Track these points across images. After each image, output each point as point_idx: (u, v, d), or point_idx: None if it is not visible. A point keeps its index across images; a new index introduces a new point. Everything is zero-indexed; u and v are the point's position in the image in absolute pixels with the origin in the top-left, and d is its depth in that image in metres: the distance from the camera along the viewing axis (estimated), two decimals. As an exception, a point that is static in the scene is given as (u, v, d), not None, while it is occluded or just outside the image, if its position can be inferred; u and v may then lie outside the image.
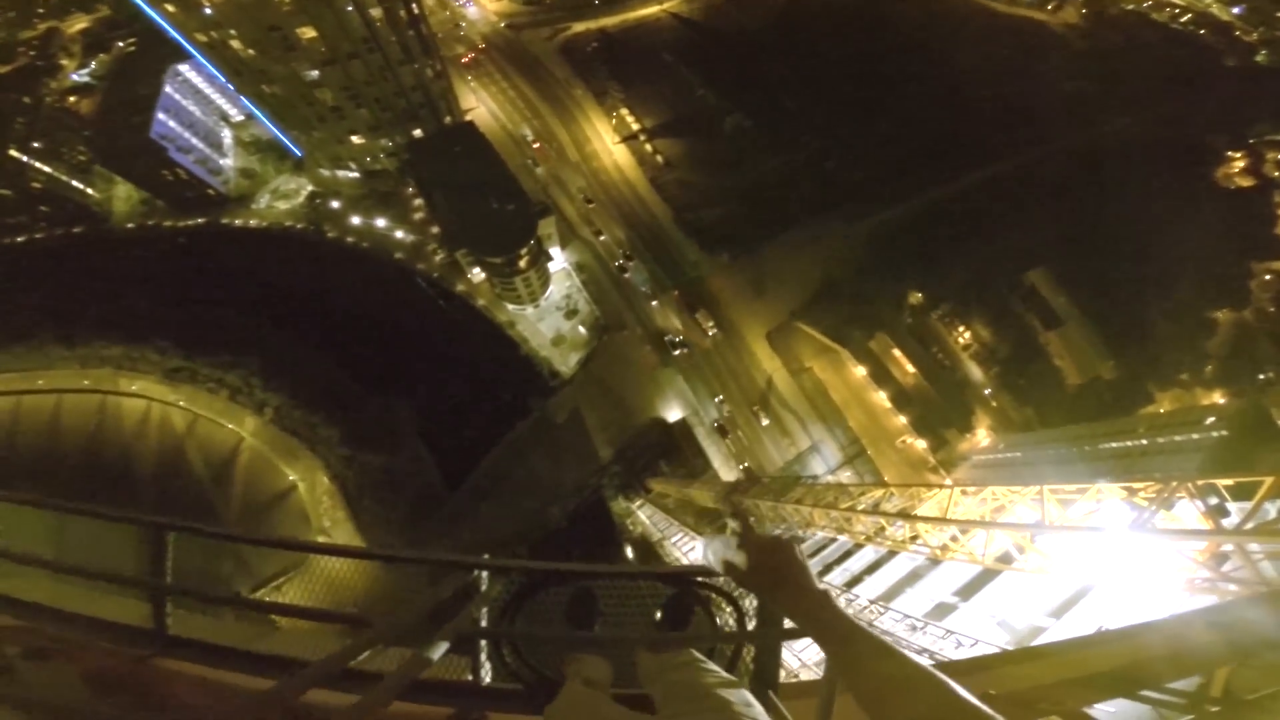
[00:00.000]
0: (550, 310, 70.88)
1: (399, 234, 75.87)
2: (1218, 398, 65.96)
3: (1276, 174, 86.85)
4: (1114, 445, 49.99)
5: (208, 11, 60.35)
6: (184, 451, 61.16)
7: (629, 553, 55.79)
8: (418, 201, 76.32)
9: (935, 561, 21.88)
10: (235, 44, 64.08)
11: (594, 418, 63.38)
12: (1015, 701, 4.11)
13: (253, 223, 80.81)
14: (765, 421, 63.58)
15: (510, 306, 69.98)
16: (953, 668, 7.83)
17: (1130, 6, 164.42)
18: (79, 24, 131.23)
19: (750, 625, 4.10)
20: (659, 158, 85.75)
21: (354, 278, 73.06)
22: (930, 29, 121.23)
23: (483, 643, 4.04)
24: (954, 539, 20.23)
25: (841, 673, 2.38)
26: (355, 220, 77.80)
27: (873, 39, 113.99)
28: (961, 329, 70.28)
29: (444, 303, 70.63)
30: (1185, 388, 69.98)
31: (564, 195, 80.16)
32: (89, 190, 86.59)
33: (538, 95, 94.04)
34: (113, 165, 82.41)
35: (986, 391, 67.35)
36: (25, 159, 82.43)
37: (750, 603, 4.09)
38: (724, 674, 3.29)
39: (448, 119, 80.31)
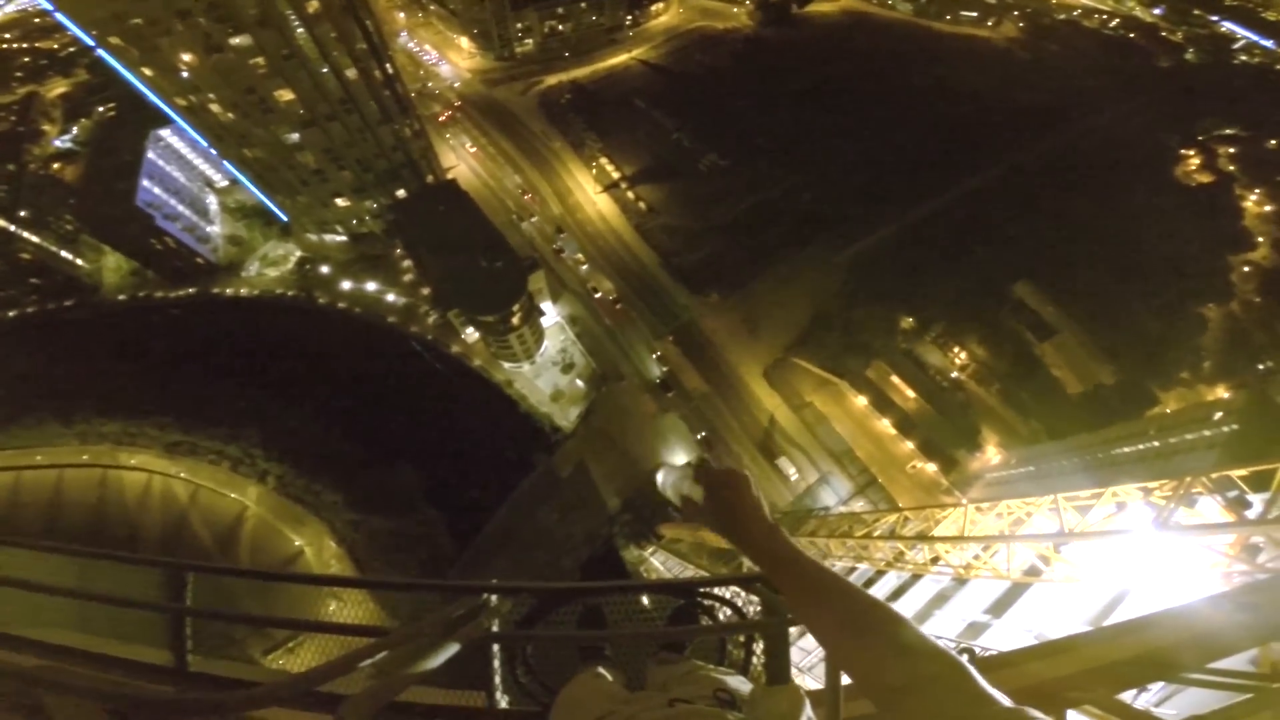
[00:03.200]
0: (547, 366, 70.98)
1: (390, 297, 76.35)
2: (1221, 392, 66.18)
3: (1231, 168, 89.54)
4: (1126, 449, 50.10)
5: (185, 75, 61.42)
6: (188, 521, 60.38)
7: (644, 600, 54.17)
8: (406, 263, 77.07)
9: (961, 581, 21.58)
10: (215, 107, 65.16)
11: (599, 469, 62.99)
12: (1042, 694, 4.10)
13: (244, 291, 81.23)
14: (781, 460, 63.46)
15: (506, 365, 69.95)
16: (978, 665, 7.80)
17: (1063, 16, 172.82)
18: (58, 88, 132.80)
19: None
20: (641, 204, 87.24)
21: (348, 343, 72.98)
22: (882, 56, 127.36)
23: (496, 666, 4.04)
24: (976, 557, 19.98)
25: (794, 609, 2.47)
26: (346, 285, 78.31)
27: (830, 69, 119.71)
28: (957, 349, 70.68)
29: (440, 365, 70.56)
30: (1188, 385, 70.24)
31: (550, 248, 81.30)
32: (78, 260, 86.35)
33: (517, 150, 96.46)
34: (100, 234, 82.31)
35: (990, 408, 67.59)
36: (12, 228, 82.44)
37: (753, 608, 4.11)
38: (732, 671, 3.30)
39: (430, 178, 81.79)
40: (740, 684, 2.91)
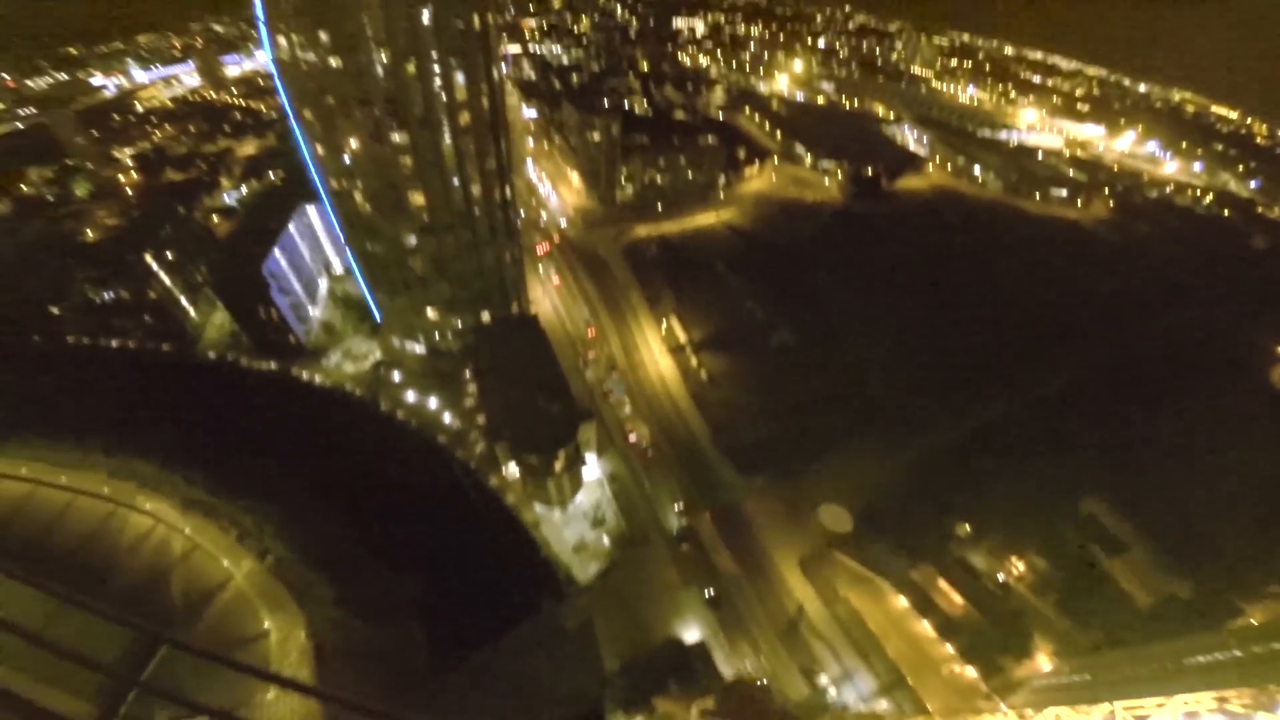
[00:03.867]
0: (578, 516, 69.68)
1: (446, 418, 78.80)
2: None
3: None
4: (1201, 660, 41.44)
5: (347, 159, 70.84)
6: (168, 577, 58.88)
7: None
8: (472, 388, 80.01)
9: None
10: (358, 196, 73.91)
11: (605, 628, 58.63)
12: None
13: (318, 379, 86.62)
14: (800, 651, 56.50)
15: (538, 507, 69.44)
16: None
17: (1154, 194, 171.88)
18: (249, 148, 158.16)
19: None
20: (703, 373, 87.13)
21: (394, 451, 75.25)
22: (969, 236, 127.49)
23: None
24: None
25: None
26: (410, 396, 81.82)
27: (914, 248, 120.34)
28: (1014, 559, 63.98)
29: (474, 492, 70.62)
30: (1277, 598, 59.51)
31: (600, 388, 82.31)
32: (192, 311, 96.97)
33: (598, 294, 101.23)
34: (220, 290, 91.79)
35: (1045, 617, 59.14)
36: (154, 265, 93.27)
37: None
38: None
39: (515, 308, 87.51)
40: None
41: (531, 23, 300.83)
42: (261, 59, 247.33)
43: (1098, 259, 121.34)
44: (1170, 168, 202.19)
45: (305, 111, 68.44)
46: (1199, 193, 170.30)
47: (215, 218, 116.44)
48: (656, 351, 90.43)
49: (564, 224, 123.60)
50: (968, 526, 66.08)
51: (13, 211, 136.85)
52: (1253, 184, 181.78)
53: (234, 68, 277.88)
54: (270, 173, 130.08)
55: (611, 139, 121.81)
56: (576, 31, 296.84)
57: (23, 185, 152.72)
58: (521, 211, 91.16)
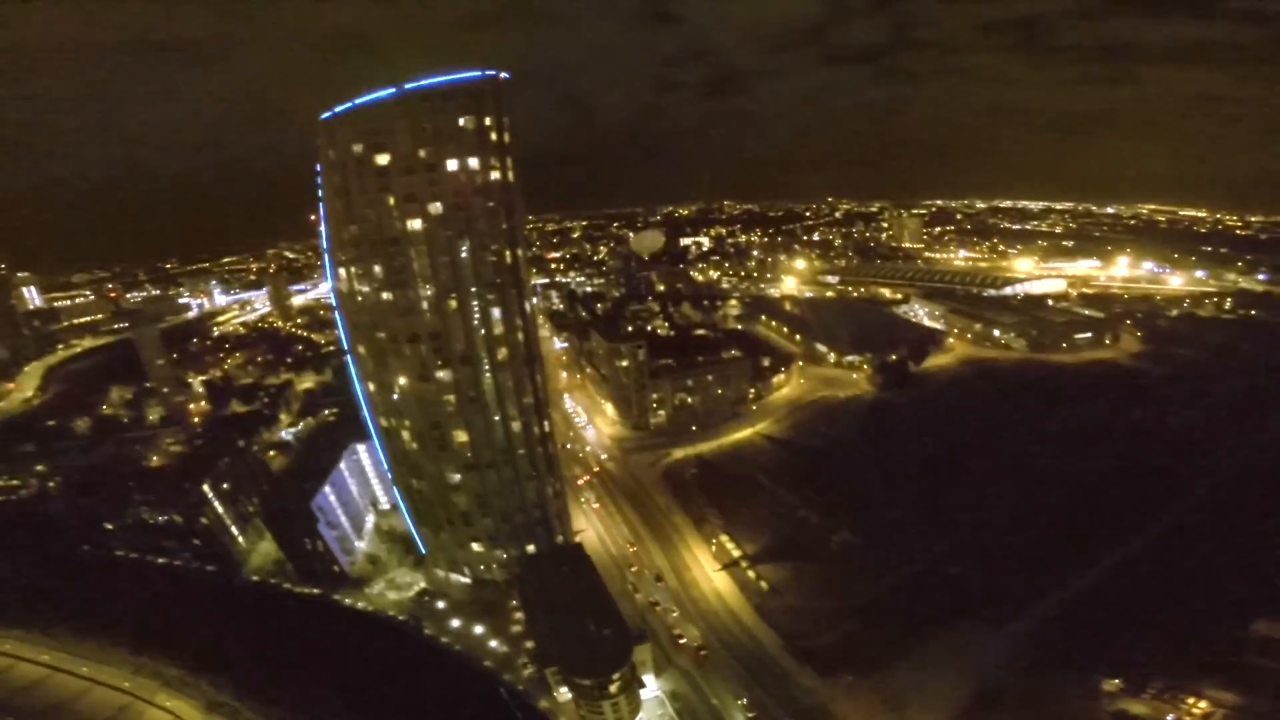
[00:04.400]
0: None
1: (493, 643, 75.75)
2: None
3: None
4: None
5: (396, 396, 74.60)
6: None
7: None
8: (518, 615, 77.97)
9: None
10: (405, 434, 76.93)
11: None
12: None
13: (360, 604, 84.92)
14: None
15: None
16: None
17: (1175, 313, 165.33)
18: (306, 383, 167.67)
19: None
20: (763, 584, 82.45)
21: (436, 672, 71.84)
22: (1009, 400, 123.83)
23: None
24: None
25: None
26: (455, 623, 79.37)
27: (957, 425, 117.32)
28: (1191, 701, 55.38)
29: (522, 715, 65.84)
30: None
31: (660, 624, 77.82)
32: (240, 539, 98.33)
33: (641, 521, 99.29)
34: (270, 523, 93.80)
35: None
36: (211, 495, 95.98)
37: None
38: None
39: (559, 538, 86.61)
40: None
41: (556, 255, 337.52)
42: (324, 289, 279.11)
43: (1154, 393, 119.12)
44: (1175, 281, 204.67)
45: (360, 347, 74.18)
46: (1217, 299, 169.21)
47: (272, 452, 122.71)
48: (709, 570, 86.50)
49: (601, 453, 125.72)
50: (1117, 681, 58.10)
51: (90, 430, 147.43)
52: (1260, 276, 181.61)
53: (300, 297, 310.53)
54: (325, 411, 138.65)
55: (639, 364, 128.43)
56: (595, 259, 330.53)
57: (104, 405, 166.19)
58: (559, 443, 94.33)
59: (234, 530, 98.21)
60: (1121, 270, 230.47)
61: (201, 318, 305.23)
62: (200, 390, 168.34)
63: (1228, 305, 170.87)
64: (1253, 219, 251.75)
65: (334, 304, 75.99)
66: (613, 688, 60.16)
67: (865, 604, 75.76)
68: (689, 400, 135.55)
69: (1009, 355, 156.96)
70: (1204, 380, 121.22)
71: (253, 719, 63.42)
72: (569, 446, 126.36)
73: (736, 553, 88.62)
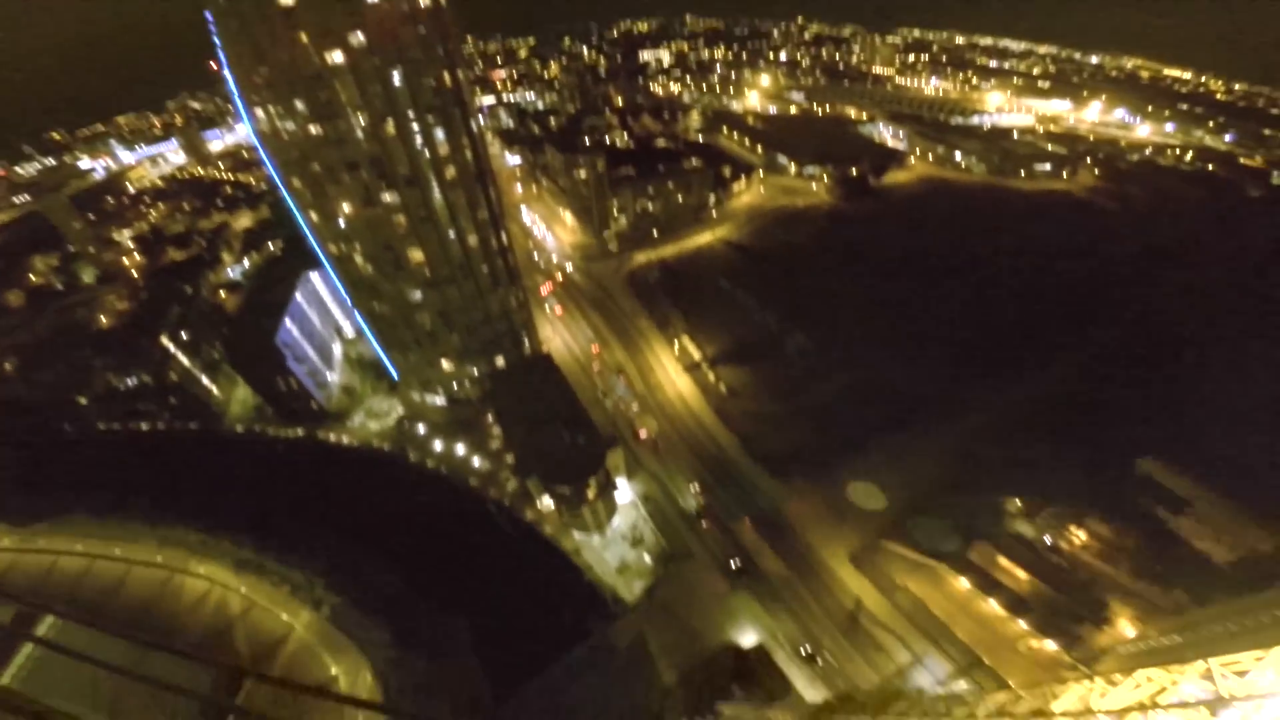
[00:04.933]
0: (616, 539, 70.65)
1: (475, 461, 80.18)
2: None
3: None
4: None
5: (341, 224, 71.81)
6: (232, 633, 61.10)
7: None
8: (496, 430, 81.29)
9: None
10: (358, 258, 74.88)
11: (658, 643, 59.16)
12: None
13: (345, 440, 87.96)
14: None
15: (576, 534, 70.58)
16: None
17: (1136, 157, 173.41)
18: (244, 220, 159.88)
19: None
20: (722, 387, 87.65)
21: (429, 497, 76.93)
22: (966, 220, 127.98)
23: None
24: None
25: None
26: (437, 445, 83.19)
27: (913, 239, 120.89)
28: (1073, 528, 64.02)
29: (511, 528, 71.81)
30: None
31: (650, 453, 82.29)
32: (214, 389, 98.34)
33: (606, 326, 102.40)
34: (239, 366, 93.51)
35: (1121, 584, 58.80)
36: (171, 348, 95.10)
37: None
38: None
39: (527, 349, 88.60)
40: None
41: (501, 73, 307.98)
42: (243, 132, 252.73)
43: (1098, 226, 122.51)
44: (1143, 131, 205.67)
45: (294, 180, 70.04)
46: (1179, 151, 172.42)
47: (222, 293, 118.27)
48: (673, 372, 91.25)
49: (563, 262, 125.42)
50: (1019, 501, 66.54)
51: (26, 303, 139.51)
52: (1227, 138, 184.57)
53: (217, 143, 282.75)
54: (270, 244, 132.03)
55: (598, 175, 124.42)
56: (547, 77, 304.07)
57: (31, 275, 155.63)
58: (520, 256, 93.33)
59: (205, 381, 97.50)
60: (1092, 115, 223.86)
61: (110, 179, 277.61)
62: (131, 245, 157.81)
63: (1188, 158, 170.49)
64: (1237, 86, 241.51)
65: (257, 145, 69.27)
66: (590, 493, 64.76)
67: (816, 408, 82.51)
68: (650, 208, 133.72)
69: (968, 178, 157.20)
70: (1153, 221, 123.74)
71: (278, 570, 67.11)
72: (535, 257, 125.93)
73: (698, 355, 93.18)
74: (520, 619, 61.11)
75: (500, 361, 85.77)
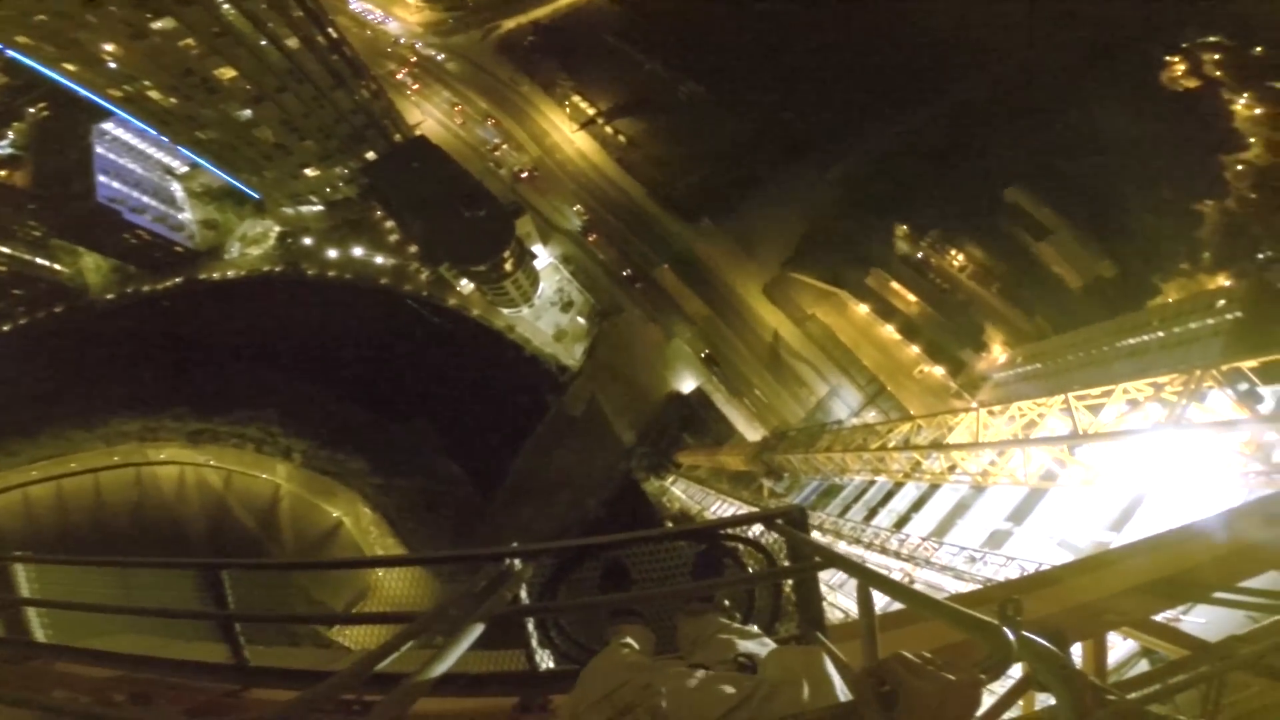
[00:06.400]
0: (546, 307, 70.70)
1: (379, 259, 75.05)
2: (1222, 280, 65.68)
3: (1217, 73, 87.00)
4: (1131, 342, 50.54)
5: (113, 66, 58.42)
6: (228, 507, 61.79)
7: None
8: (389, 224, 75.36)
9: (979, 489, 21.68)
10: (154, 94, 62.27)
11: (610, 404, 63.99)
12: (1085, 615, 4.19)
13: (230, 273, 79.56)
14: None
15: (505, 311, 69.72)
16: (1017, 585, 7.91)
17: None
18: None
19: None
20: (621, 138, 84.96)
21: (345, 310, 72.62)
22: None
23: (532, 629, 4.06)
24: (992, 463, 19.82)
25: None
26: (332, 253, 76.64)
27: None
28: (954, 252, 70.93)
29: (438, 319, 70.35)
30: (1188, 275, 70.43)
31: (535, 192, 79.35)
32: (55, 266, 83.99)
33: (484, 97, 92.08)
34: (69, 235, 80.00)
35: (993, 308, 68.10)
36: None
37: (779, 546, 4.06)
38: (757, 632, 3.39)
39: (397, 137, 78.98)
40: (760, 647, 3.02)
41: None
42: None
43: None
44: None
45: (19, 39, 54.50)
46: None
47: (3, 172, 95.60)
48: (569, 132, 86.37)
49: (415, 43, 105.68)
50: (905, 227, 71.50)
51: None
52: None
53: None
54: (29, 109, 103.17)
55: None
56: None
57: None
58: (359, 46, 77.51)
59: (41, 260, 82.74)
60: None
61: None
62: None
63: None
64: None
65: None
66: (507, 266, 61.78)
67: (714, 149, 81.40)
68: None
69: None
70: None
71: (232, 431, 64.22)
72: (377, 45, 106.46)
73: (591, 111, 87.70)
74: (477, 409, 62.95)
75: (370, 155, 76.51)
